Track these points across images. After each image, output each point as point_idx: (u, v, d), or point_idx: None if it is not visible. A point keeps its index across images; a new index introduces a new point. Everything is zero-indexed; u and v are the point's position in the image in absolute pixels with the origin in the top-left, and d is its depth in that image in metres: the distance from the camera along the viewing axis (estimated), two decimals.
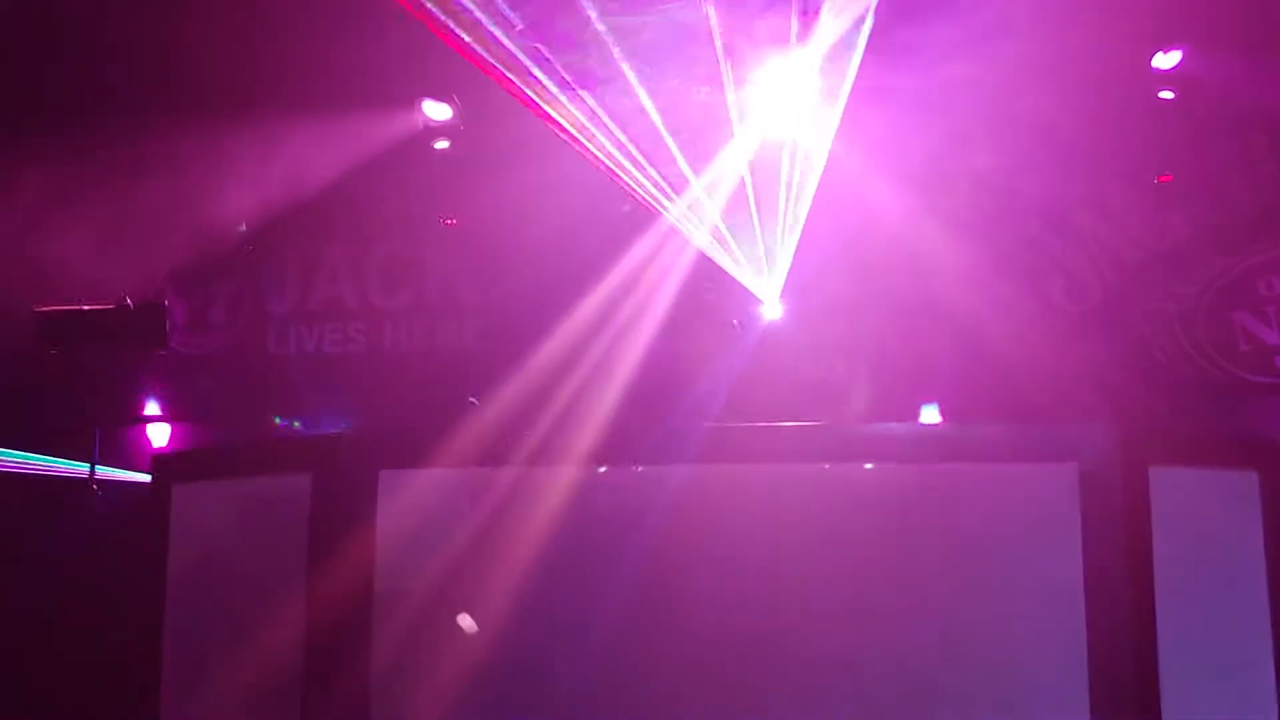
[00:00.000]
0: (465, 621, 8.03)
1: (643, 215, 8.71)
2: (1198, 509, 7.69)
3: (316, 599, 7.93)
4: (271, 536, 8.21)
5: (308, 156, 8.90)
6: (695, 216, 8.58)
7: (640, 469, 8.27)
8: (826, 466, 8.08)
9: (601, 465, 8.15)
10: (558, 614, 7.87)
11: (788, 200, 8.65)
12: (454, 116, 9.01)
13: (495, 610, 7.86)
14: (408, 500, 8.16)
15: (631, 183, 8.43)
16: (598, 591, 7.81)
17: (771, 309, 8.95)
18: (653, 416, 8.40)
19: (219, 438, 9.20)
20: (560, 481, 8.07)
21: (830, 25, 7.27)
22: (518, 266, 9.15)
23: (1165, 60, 8.43)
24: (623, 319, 8.73)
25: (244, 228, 9.19)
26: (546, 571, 7.83)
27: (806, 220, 8.65)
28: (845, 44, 7.49)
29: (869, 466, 8.11)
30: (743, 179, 8.58)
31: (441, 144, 9.12)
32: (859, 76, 8.03)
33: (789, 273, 8.79)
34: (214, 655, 8.03)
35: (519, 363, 8.58)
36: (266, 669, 7.84)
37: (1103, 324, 8.97)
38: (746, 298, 8.91)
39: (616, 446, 8.15)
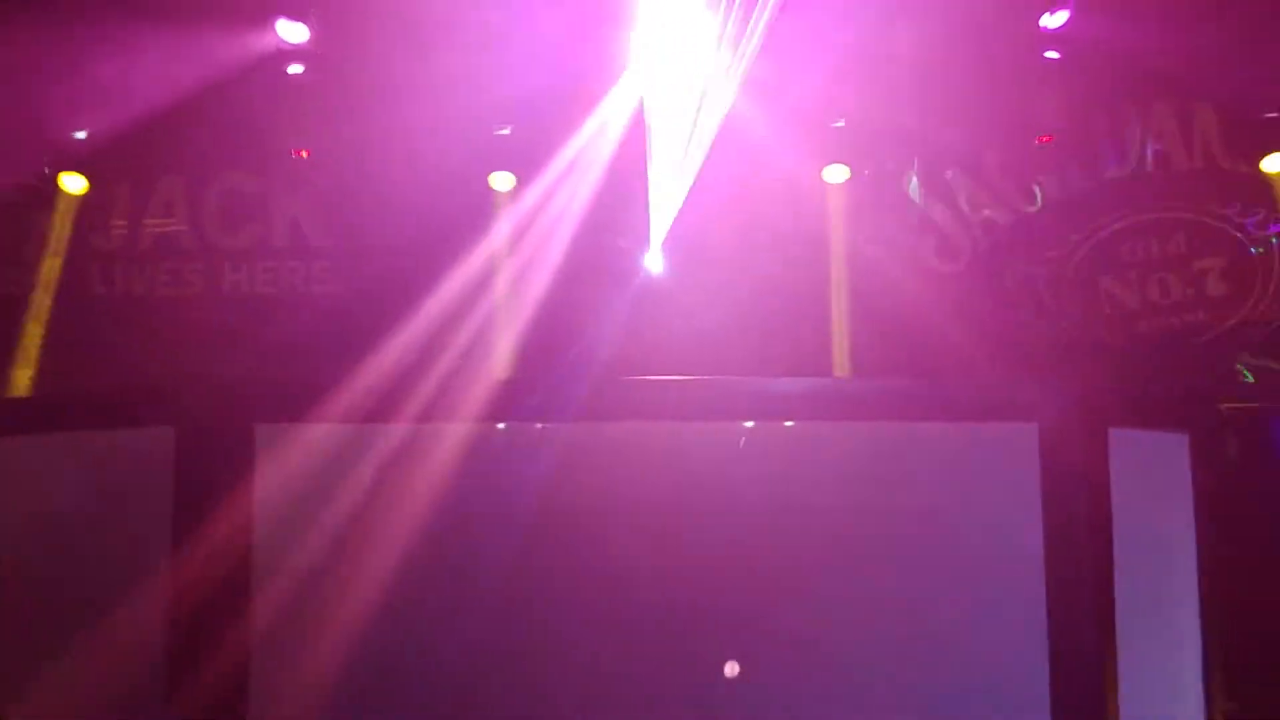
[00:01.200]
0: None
1: (527, 160, 8.21)
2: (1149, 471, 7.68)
3: (183, 571, 7.20)
4: (121, 500, 7.43)
5: (142, 74, 8.10)
6: (586, 162, 8.13)
7: (540, 426, 7.79)
8: (749, 425, 7.78)
9: (499, 422, 7.67)
10: (451, 582, 7.37)
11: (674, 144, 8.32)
12: (311, 40, 8.33)
13: (384, 579, 7.30)
14: (288, 458, 7.49)
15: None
16: (493, 556, 7.34)
17: (657, 257, 8.56)
18: (551, 370, 7.95)
19: (38, 387, 8.29)
20: (454, 439, 7.54)
21: None
22: (379, 208, 8.50)
23: (1052, 20, 8.43)
24: (514, 268, 8.24)
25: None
26: (438, 535, 7.32)
27: (691, 166, 8.33)
28: None
29: (789, 424, 7.84)
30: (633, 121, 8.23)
31: (295, 69, 8.42)
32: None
33: (677, 220, 8.40)
34: (56, 642, 7.20)
35: (389, 312, 7.98)
36: (125, 652, 7.08)
37: (973, 285, 8.92)
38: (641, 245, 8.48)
39: (513, 402, 7.68)
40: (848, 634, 7.31)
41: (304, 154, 8.68)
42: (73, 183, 8.49)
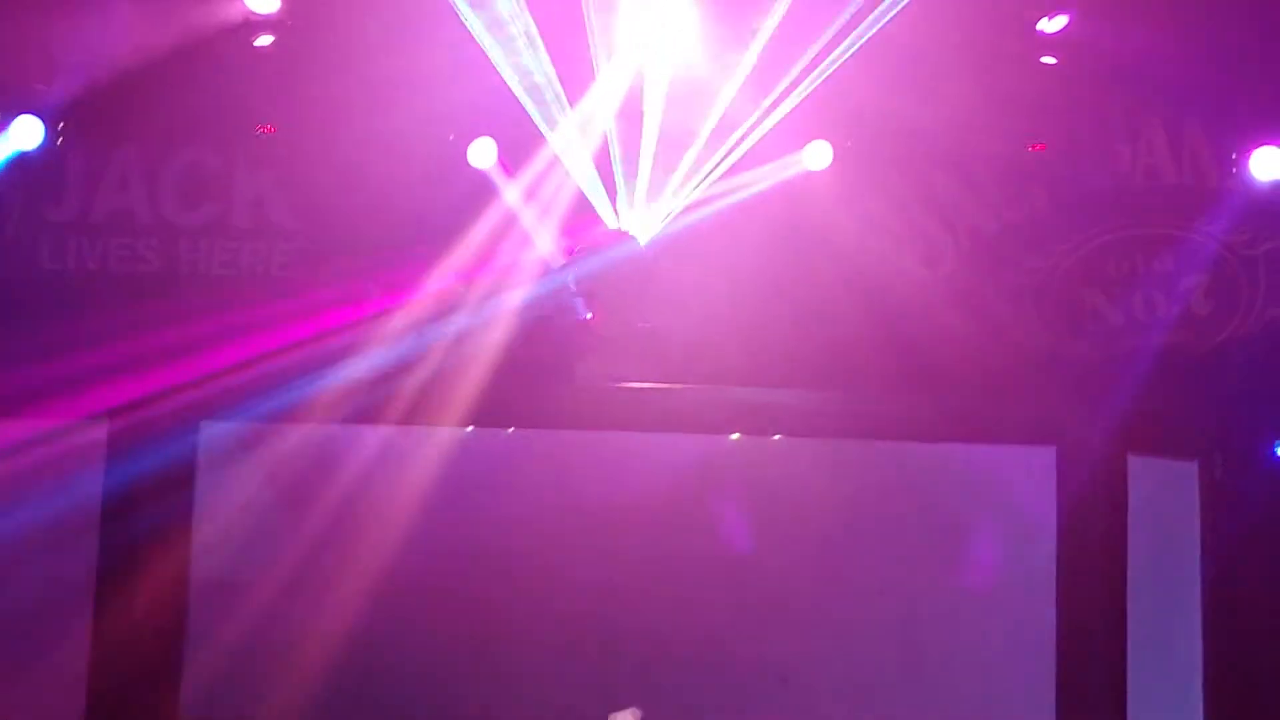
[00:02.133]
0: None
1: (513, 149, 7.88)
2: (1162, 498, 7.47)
3: (112, 598, 6.71)
4: (45, 502, 6.97)
5: (104, 37, 7.69)
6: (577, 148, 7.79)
7: (511, 431, 7.45)
8: (735, 437, 7.47)
9: (468, 425, 7.33)
10: (416, 596, 7.02)
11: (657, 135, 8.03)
12: (280, 10, 7.92)
13: (347, 590, 6.92)
14: (238, 462, 7.06)
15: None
16: (462, 568, 6.99)
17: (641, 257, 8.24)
18: (530, 374, 7.62)
19: None
20: (422, 444, 7.18)
21: None
22: (349, 190, 8.10)
23: (1050, 25, 8.22)
24: (497, 259, 7.89)
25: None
26: (405, 546, 6.95)
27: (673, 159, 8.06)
28: None
29: (776, 438, 7.56)
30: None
31: (264, 40, 7.98)
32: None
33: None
34: None
35: (358, 301, 7.62)
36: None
37: (955, 294, 8.68)
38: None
39: (486, 406, 7.33)
40: (841, 662, 7.02)
41: (269, 130, 8.27)
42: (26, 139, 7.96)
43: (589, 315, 8.02)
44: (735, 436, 7.60)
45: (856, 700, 7.09)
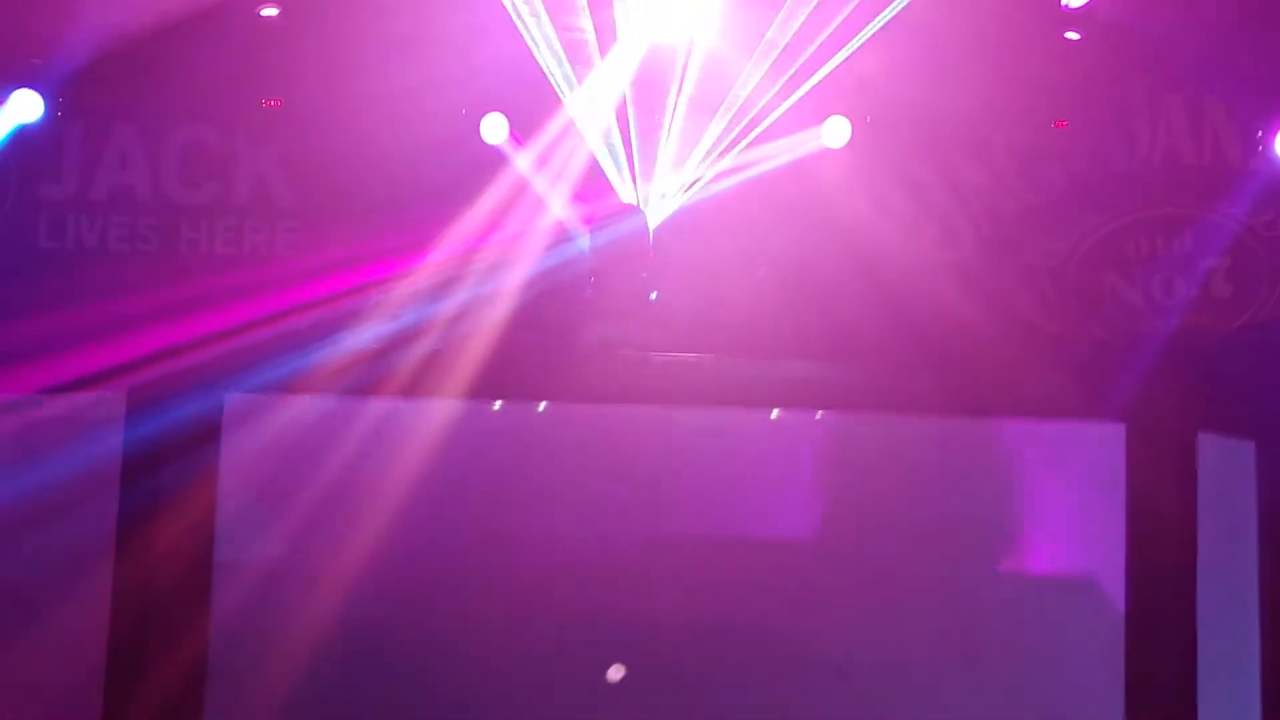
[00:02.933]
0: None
1: (524, 118, 7.66)
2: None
3: (134, 558, 6.58)
4: (62, 475, 6.79)
5: (102, 11, 7.45)
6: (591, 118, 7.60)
7: (544, 406, 7.26)
8: (775, 414, 7.29)
9: (495, 400, 7.15)
10: (434, 578, 6.85)
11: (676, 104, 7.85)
12: None
13: (360, 570, 6.74)
14: (259, 433, 6.88)
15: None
16: (488, 551, 6.82)
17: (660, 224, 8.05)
18: (546, 344, 7.47)
19: None
20: (443, 417, 6.99)
21: None
22: (356, 167, 7.84)
23: None
24: (507, 233, 7.70)
25: None
26: (421, 525, 6.76)
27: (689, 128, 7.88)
28: None
29: (819, 415, 7.38)
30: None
31: (269, 11, 7.76)
32: None
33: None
34: None
35: (364, 280, 7.42)
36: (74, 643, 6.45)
37: (971, 275, 8.52)
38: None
39: (513, 378, 7.13)
40: (899, 652, 6.85)
41: (274, 104, 8.01)
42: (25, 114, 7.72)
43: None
44: (775, 413, 7.41)
45: (916, 691, 6.93)
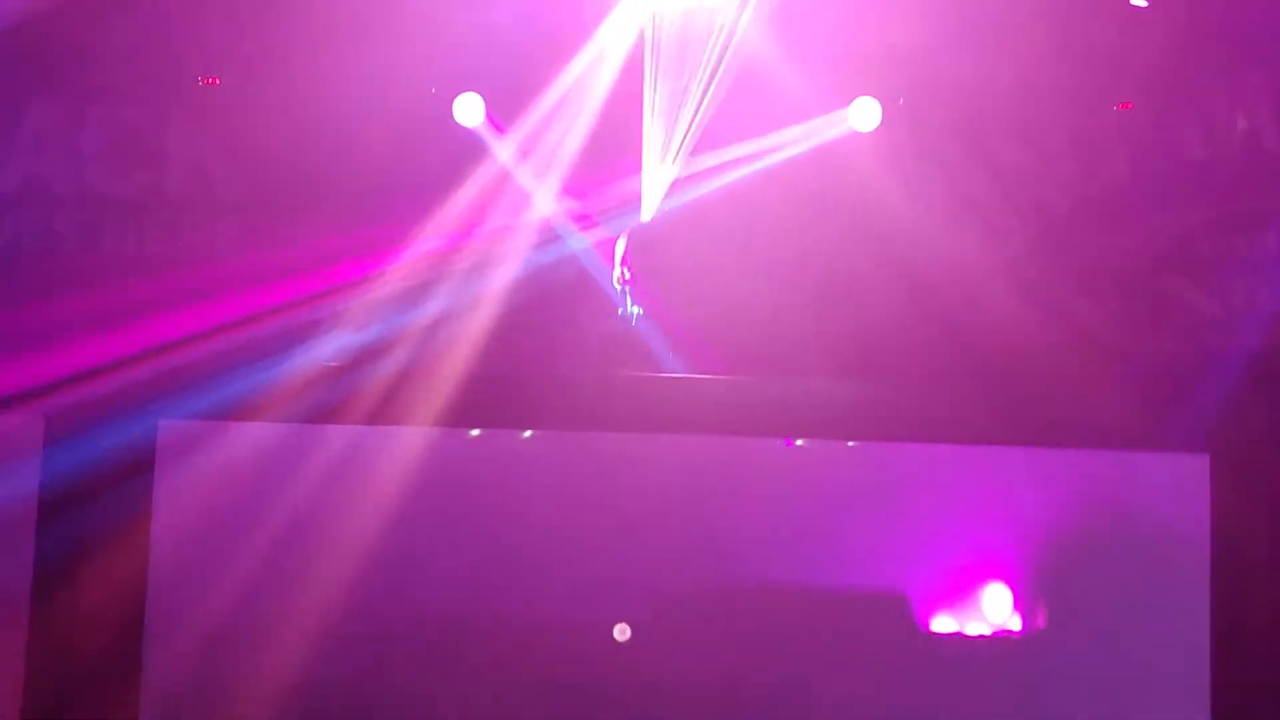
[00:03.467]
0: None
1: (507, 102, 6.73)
2: None
3: (52, 614, 5.79)
4: None
5: None
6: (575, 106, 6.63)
7: (529, 434, 6.37)
8: (800, 443, 6.38)
9: (473, 427, 6.30)
10: (405, 630, 6.02)
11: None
12: None
13: (320, 624, 5.90)
14: (200, 465, 6.20)
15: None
16: (466, 600, 5.95)
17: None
18: (547, 359, 6.62)
19: None
20: (413, 447, 6.11)
21: None
22: (310, 154, 6.92)
23: None
24: (488, 234, 6.73)
25: None
26: (391, 571, 5.91)
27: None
28: None
29: (851, 444, 6.46)
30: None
31: None
32: None
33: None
34: None
35: (320, 286, 6.46)
36: None
37: (1020, 277, 7.51)
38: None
39: (495, 401, 6.22)
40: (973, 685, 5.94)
41: (214, 81, 7.07)
42: None
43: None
44: (800, 442, 6.48)
45: None
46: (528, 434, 6.61)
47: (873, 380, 6.87)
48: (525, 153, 6.90)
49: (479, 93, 6.94)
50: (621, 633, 6.37)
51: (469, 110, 6.95)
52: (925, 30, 7.23)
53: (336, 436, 6.73)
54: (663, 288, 7.10)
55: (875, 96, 7.24)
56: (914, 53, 7.27)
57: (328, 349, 6.79)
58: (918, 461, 6.70)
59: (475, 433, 6.66)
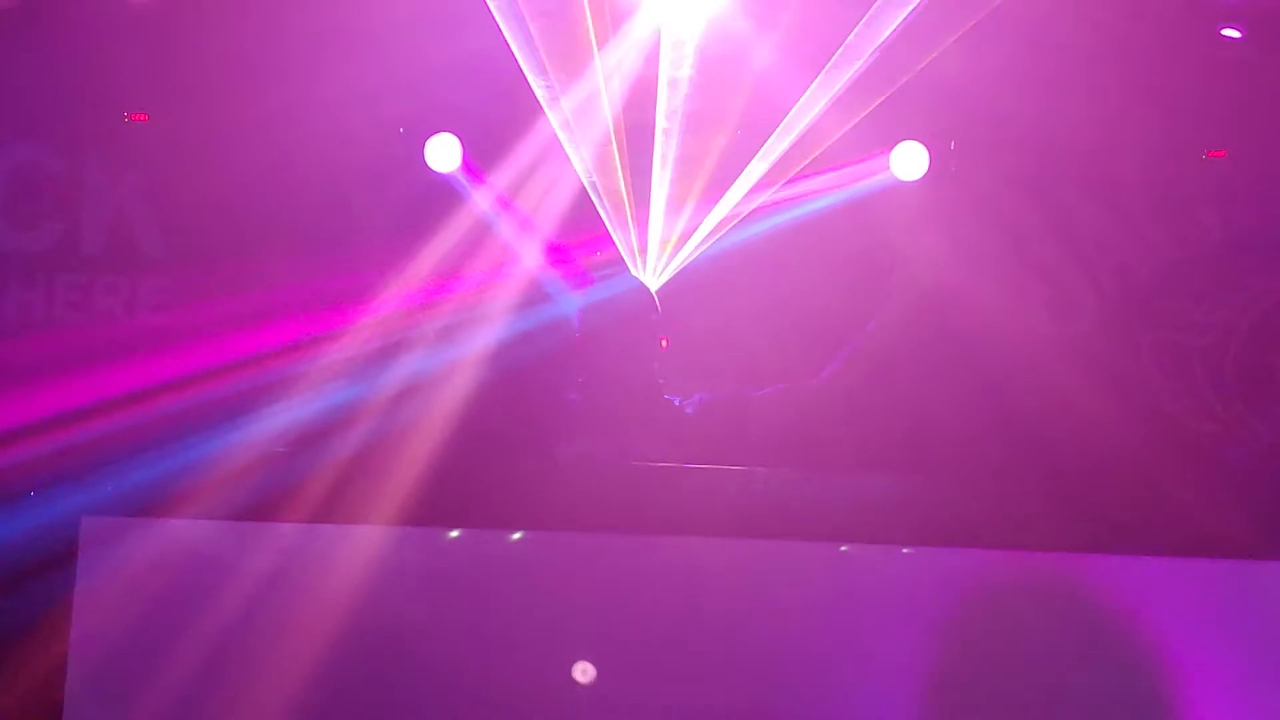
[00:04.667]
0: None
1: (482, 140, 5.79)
2: None
3: None
4: None
5: None
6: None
7: (518, 536, 5.36)
8: (844, 549, 5.34)
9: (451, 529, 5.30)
10: None
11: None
12: None
13: None
14: (126, 562, 5.23)
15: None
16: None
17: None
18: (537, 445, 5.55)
19: None
20: (374, 546, 5.09)
21: None
22: (249, 203, 5.99)
23: None
24: (466, 287, 5.80)
25: None
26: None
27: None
28: None
29: (906, 551, 5.39)
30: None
31: None
32: None
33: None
34: None
35: (259, 357, 5.43)
36: None
37: (1094, 356, 6.43)
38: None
39: (475, 495, 5.25)
40: None
41: (141, 118, 6.14)
42: None
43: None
44: (844, 548, 5.40)
45: None
46: (517, 535, 5.49)
47: (923, 475, 5.74)
48: (508, 201, 5.89)
49: (455, 134, 5.96)
50: (584, 673, 5.33)
51: (443, 153, 5.97)
52: (980, 65, 6.24)
53: (283, 533, 5.60)
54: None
55: (921, 140, 6.37)
56: (966, 90, 6.28)
57: (273, 428, 5.69)
58: (976, 569, 5.54)
59: (454, 534, 5.54)
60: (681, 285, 6.08)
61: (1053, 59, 6.26)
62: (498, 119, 6.03)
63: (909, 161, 6.33)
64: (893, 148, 6.31)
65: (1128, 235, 6.50)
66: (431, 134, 6.05)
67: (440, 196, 5.97)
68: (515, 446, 5.53)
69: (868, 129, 6.21)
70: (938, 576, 5.57)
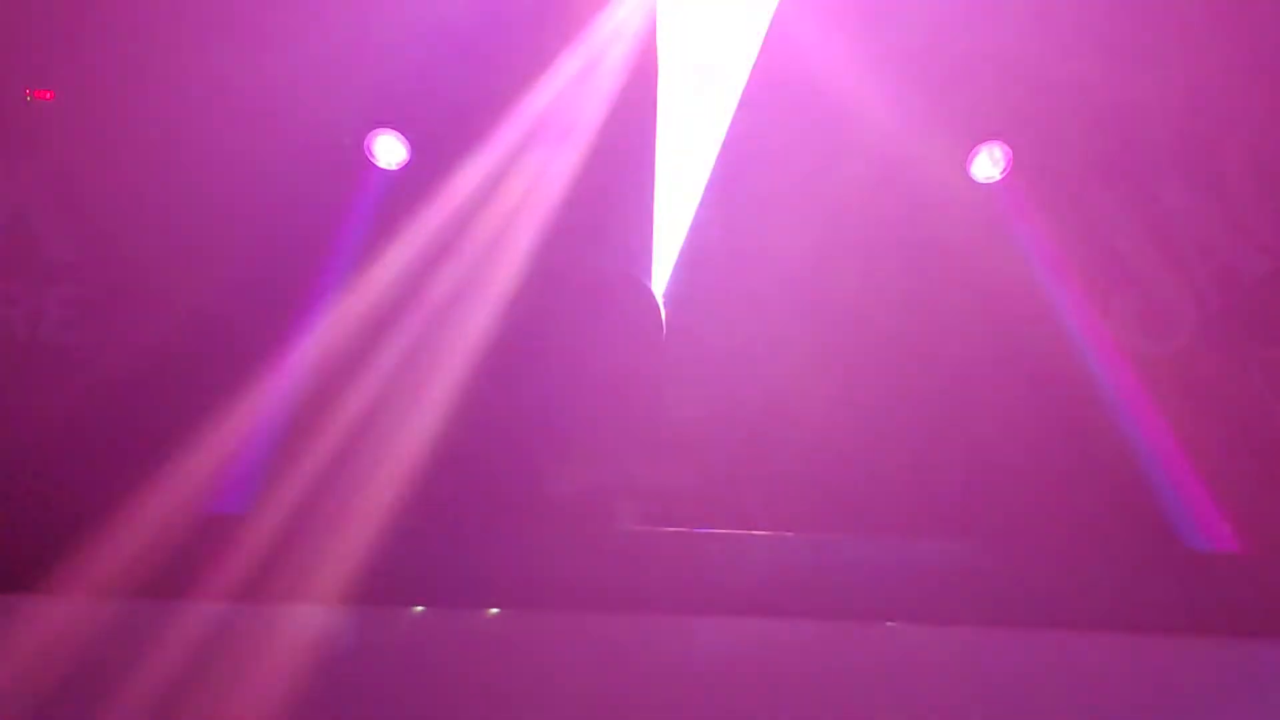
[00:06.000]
0: None
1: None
2: None
3: None
4: None
5: None
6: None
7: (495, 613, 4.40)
8: (890, 624, 4.34)
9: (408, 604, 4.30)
10: None
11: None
12: None
13: None
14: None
15: None
16: None
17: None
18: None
19: None
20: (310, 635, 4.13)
21: None
22: (175, 197, 4.90)
23: None
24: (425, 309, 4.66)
25: None
26: None
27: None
28: None
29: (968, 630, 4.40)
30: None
31: None
32: None
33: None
34: None
35: (189, 382, 4.43)
36: None
37: (1190, 373, 5.35)
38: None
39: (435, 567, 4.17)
40: None
41: (46, 96, 5.01)
42: None
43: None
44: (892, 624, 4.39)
45: None
46: (494, 612, 4.46)
47: (989, 538, 4.67)
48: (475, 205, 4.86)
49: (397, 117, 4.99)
50: None
51: (390, 150, 4.99)
52: (1054, 36, 5.16)
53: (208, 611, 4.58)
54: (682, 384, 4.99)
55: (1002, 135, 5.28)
56: (1041, 63, 5.19)
57: (204, 482, 4.66)
58: (1065, 656, 4.48)
59: (418, 610, 4.53)
60: (694, 285, 5.03)
61: (1142, 26, 5.25)
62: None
63: (983, 160, 5.30)
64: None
65: (1234, 234, 5.51)
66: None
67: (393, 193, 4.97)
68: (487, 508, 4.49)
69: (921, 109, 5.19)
70: (1013, 662, 4.54)
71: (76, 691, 4.56)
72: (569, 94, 4.96)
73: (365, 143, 4.97)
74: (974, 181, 5.15)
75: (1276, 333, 5.35)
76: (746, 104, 5.00)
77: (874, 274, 4.99)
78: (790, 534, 4.53)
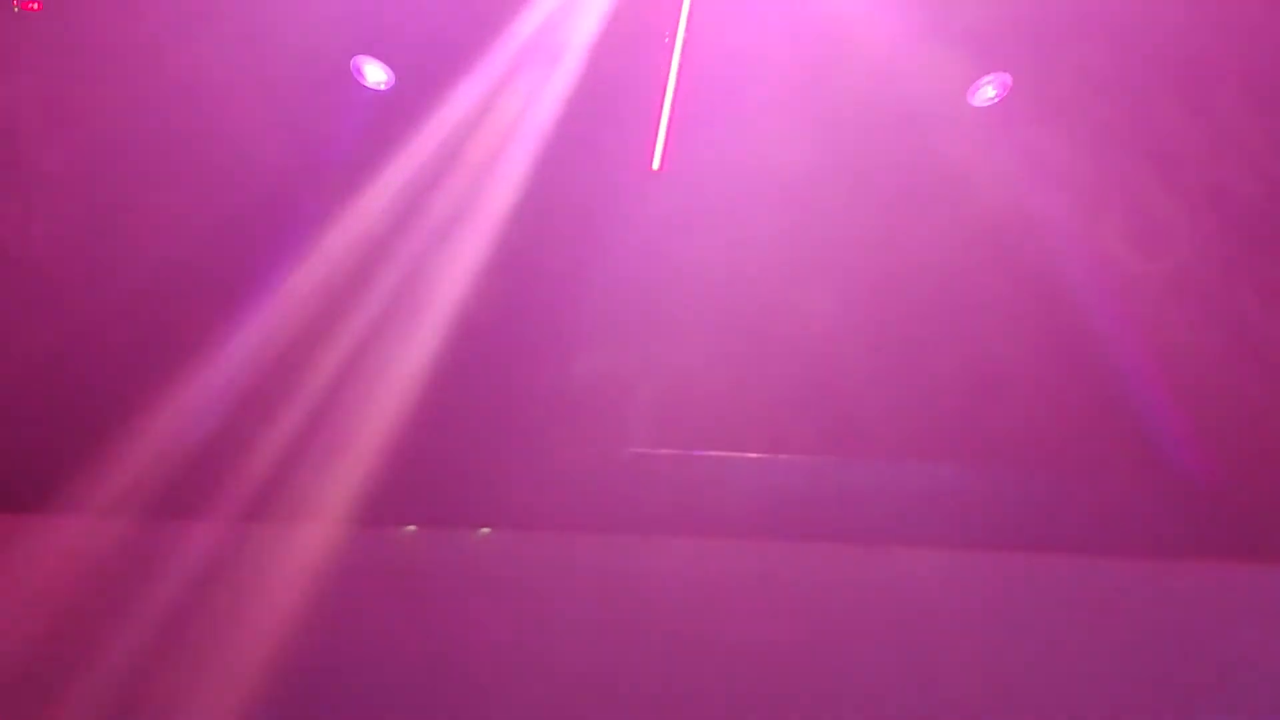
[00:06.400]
0: None
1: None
2: None
3: None
4: None
5: None
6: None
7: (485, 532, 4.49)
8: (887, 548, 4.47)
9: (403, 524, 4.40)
10: None
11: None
12: None
13: None
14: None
15: None
16: None
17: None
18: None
19: None
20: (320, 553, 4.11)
21: None
22: (164, 111, 4.82)
23: None
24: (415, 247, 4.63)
25: None
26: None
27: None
28: None
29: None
30: None
31: None
32: None
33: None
34: None
35: (178, 330, 4.40)
36: None
37: (1189, 297, 5.35)
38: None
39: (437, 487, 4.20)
40: None
41: (34, 6, 4.91)
42: None
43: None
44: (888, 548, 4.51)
45: None
46: (485, 531, 4.52)
47: (987, 459, 4.70)
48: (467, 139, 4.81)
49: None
50: None
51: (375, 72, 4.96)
52: None
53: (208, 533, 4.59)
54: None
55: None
56: None
57: (196, 406, 4.66)
58: (1065, 578, 4.53)
59: (410, 529, 4.58)
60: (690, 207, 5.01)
61: None
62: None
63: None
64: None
65: (1236, 153, 5.50)
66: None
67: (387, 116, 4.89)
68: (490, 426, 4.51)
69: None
70: (1009, 586, 4.58)
71: (83, 610, 4.64)
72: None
73: (353, 64, 4.89)
74: (970, 102, 5.12)
75: (1271, 250, 5.38)
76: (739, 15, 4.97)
77: (868, 189, 4.99)
78: (785, 456, 4.57)
